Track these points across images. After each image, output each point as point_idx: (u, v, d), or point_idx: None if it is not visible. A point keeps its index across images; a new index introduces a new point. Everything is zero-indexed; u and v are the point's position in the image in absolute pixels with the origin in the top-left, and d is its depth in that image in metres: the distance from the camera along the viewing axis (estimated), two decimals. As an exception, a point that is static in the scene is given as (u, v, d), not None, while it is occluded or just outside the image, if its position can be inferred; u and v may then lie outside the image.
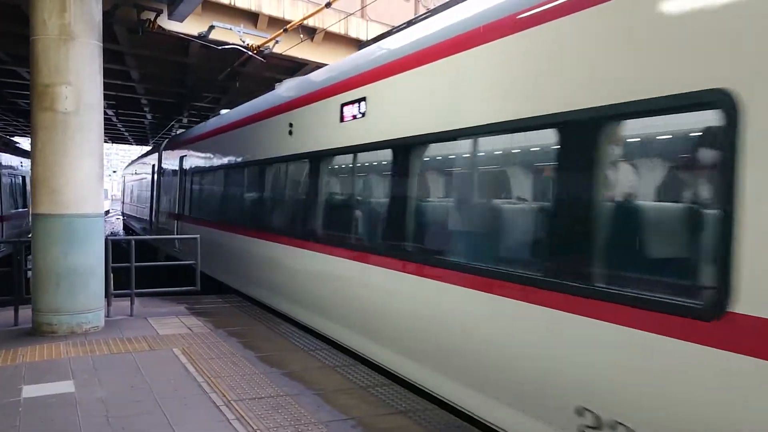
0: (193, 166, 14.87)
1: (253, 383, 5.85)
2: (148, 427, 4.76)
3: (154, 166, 21.22)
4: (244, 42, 13.12)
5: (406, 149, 5.82)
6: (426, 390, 5.40)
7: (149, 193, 22.75)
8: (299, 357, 6.86)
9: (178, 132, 20.06)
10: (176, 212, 16.29)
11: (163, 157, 19.55)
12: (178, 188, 16.19)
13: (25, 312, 8.27)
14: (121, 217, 45.55)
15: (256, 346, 7.29)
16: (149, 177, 23.01)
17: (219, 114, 14.12)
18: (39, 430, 4.69)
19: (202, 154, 14.24)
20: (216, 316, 9.16)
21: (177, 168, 16.58)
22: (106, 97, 13.65)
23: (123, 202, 41.62)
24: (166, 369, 6.31)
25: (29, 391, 5.58)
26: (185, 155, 15.80)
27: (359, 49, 7.94)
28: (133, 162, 37.07)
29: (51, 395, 5.47)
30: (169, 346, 7.27)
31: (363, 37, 15.58)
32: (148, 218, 22.95)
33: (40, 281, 7.83)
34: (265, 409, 5.17)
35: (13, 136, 37.00)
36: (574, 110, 3.89)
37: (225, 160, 12.24)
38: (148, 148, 41.39)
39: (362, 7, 14.59)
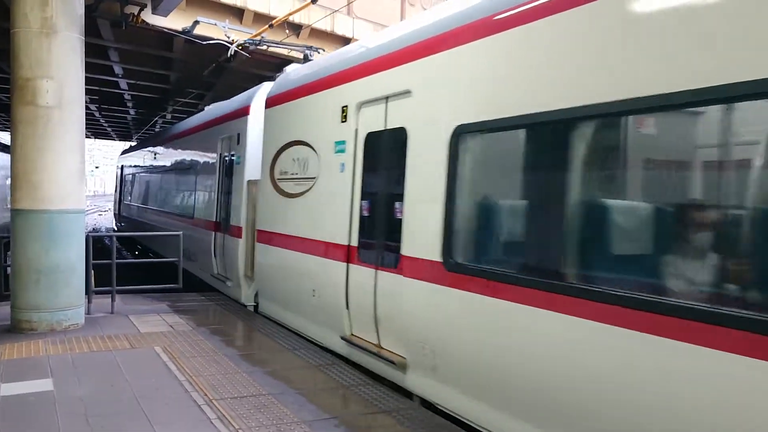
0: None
1: (235, 382, 5.80)
2: (129, 427, 4.70)
3: (223, 142, 11.37)
4: (229, 37, 13.02)
5: None
6: None
7: (199, 196, 12.85)
8: (282, 356, 6.82)
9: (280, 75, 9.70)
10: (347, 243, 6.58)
11: (264, 121, 9.23)
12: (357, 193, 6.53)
13: (4, 309, 8.16)
14: (114, 223, 30.23)
15: (239, 345, 7.24)
16: (204, 167, 12.69)
17: None
18: (17, 429, 4.62)
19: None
20: (198, 314, 9.08)
21: (352, 139, 6.65)
22: (88, 92, 13.49)
23: (120, 201, 26.84)
24: (147, 367, 6.24)
25: (7, 389, 5.49)
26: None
27: None
28: (146, 141, 23.61)
29: (29, 393, 5.39)
30: (151, 344, 7.19)
31: (349, 35, 15.52)
32: (208, 251, 11.51)
33: (19, 278, 7.72)
34: (247, 408, 5.12)
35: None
36: None
37: None
38: (129, 144, 39.15)
39: (348, 4, 14.53)
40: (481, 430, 4.66)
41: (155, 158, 19.24)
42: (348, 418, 4.98)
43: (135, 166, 23.54)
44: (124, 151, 29.40)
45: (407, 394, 5.53)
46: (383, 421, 4.92)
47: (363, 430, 4.73)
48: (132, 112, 30.25)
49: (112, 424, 4.74)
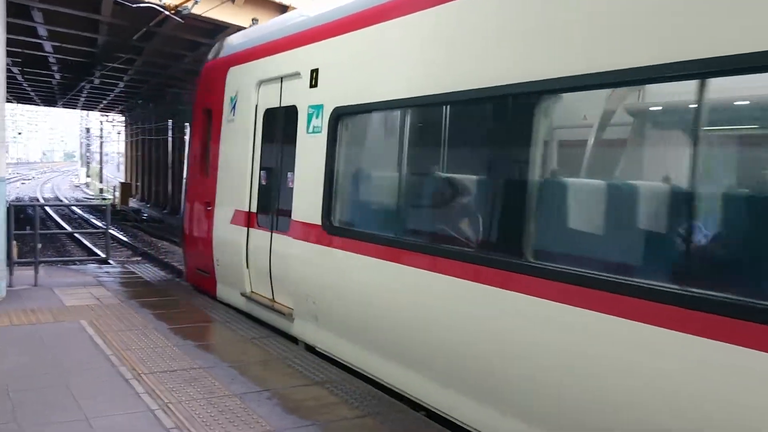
0: None
1: (165, 356, 5.69)
2: (52, 401, 4.54)
3: None
4: (160, 1, 12.56)
5: None
6: None
7: None
8: (215, 329, 6.72)
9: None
10: None
11: None
12: None
13: None
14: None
15: (170, 318, 7.08)
16: None
17: None
18: (-71, 407, 4.40)
19: None
20: (127, 286, 8.84)
21: None
22: (10, 53, 12.81)
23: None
24: (72, 342, 6.04)
25: None
26: None
27: None
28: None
29: (-56, 369, 5.15)
30: (76, 317, 6.96)
31: (287, 2, 15.20)
32: None
33: (-68, 248, 7.33)
34: (177, 382, 5.03)
35: None
36: None
37: None
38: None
39: (286, -29, 14.25)
40: None
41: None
42: (281, 390, 4.96)
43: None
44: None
45: (342, 366, 5.55)
46: (316, 393, 4.92)
47: (296, 402, 4.72)
48: (57, 76, 29.09)
49: (35, 399, 4.58)
